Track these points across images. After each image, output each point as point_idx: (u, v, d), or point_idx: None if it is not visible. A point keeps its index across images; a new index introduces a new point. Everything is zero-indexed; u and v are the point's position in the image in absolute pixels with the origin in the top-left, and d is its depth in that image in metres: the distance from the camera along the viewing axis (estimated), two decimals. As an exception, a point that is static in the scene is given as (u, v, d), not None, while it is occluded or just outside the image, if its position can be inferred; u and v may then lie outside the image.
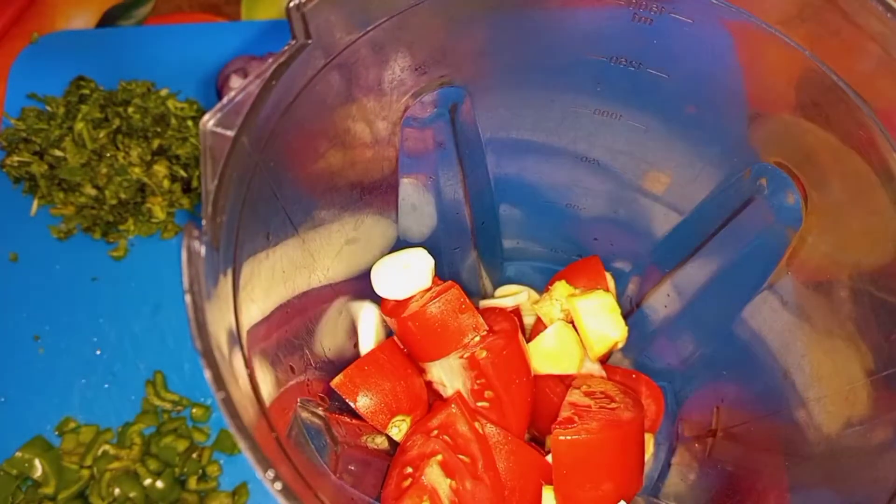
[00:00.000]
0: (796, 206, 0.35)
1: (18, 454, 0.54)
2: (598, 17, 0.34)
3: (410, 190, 0.43)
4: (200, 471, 0.55)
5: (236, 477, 0.55)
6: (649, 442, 0.46)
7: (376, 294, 0.43)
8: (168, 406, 0.57)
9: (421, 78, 0.36)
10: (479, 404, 0.41)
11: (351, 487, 0.36)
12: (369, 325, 0.44)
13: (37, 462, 0.54)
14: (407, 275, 0.42)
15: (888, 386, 0.30)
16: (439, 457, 0.38)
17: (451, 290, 0.41)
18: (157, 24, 0.72)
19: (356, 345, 0.46)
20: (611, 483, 0.38)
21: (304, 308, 0.36)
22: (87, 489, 0.53)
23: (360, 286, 0.44)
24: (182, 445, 0.55)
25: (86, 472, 0.54)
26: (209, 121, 0.25)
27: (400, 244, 0.47)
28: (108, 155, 0.61)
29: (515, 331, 0.42)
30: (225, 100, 0.25)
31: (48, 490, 0.53)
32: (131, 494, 0.52)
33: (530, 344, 0.45)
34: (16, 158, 0.62)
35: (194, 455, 0.55)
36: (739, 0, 0.30)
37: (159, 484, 0.53)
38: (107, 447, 0.55)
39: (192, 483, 0.54)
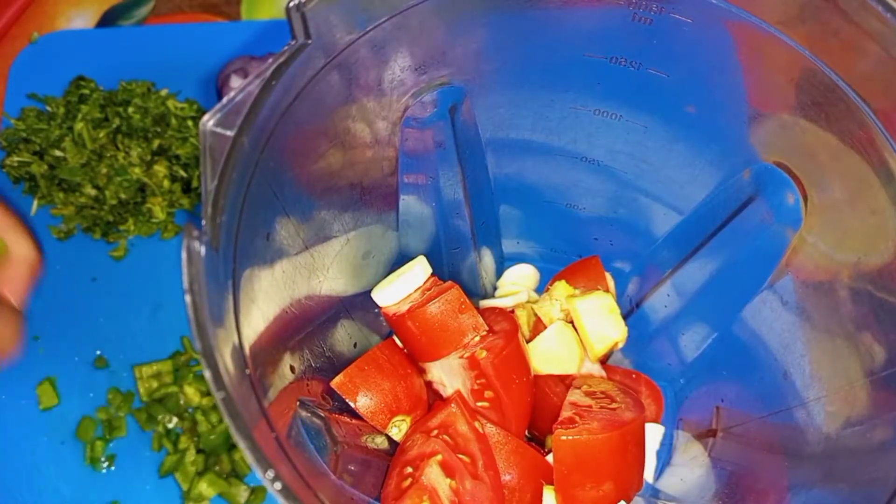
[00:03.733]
0: (796, 206, 0.35)
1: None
2: (598, 17, 0.34)
3: (410, 190, 0.43)
4: None
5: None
6: (659, 434, 0.46)
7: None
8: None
9: (421, 78, 0.36)
10: (479, 404, 0.41)
11: (351, 487, 0.36)
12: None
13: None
14: (402, 280, 0.42)
15: (888, 386, 0.30)
16: (439, 457, 0.38)
17: (451, 290, 0.41)
18: (157, 24, 0.72)
19: (356, 345, 0.46)
20: (611, 483, 0.38)
21: (305, 308, 0.36)
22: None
23: (361, 286, 0.44)
24: None
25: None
26: (209, 121, 0.25)
27: (400, 246, 0.47)
28: (108, 155, 0.61)
29: (515, 331, 0.42)
30: (225, 100, 0.25)
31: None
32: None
33: (530, 344, 0.45)
34: (16, 158, 0.62)
35: None
36: (739, 0, 0.30)
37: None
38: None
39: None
